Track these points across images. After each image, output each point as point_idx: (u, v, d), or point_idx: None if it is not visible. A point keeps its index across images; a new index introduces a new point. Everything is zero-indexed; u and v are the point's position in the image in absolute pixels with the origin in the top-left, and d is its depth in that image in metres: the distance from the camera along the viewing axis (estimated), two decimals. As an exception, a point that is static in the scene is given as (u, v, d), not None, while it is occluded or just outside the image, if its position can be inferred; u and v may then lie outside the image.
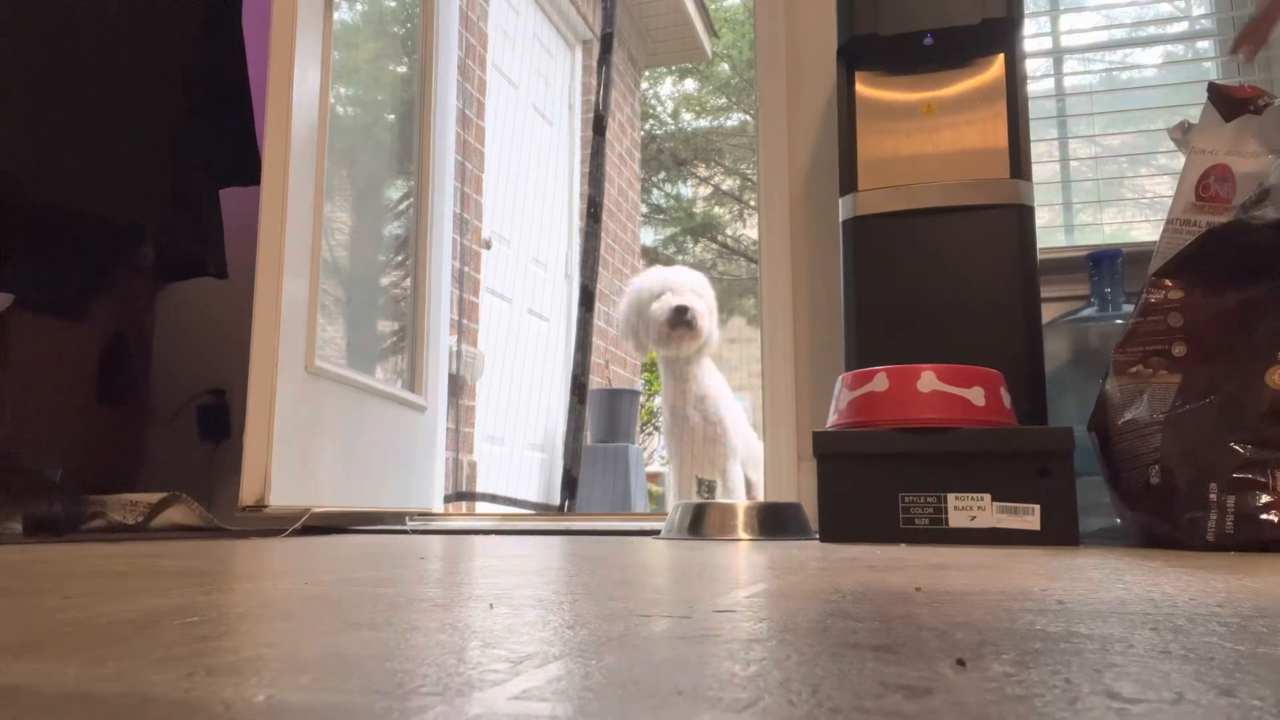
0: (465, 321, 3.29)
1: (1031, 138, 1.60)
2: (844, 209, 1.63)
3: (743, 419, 2.67)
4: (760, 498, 2.43)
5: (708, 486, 2.56)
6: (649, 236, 9.59)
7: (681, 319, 2.53)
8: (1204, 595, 0.54)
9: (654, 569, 0.80)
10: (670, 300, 2.54)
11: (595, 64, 3.78)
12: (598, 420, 3.89)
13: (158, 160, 1.68)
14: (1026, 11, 1.68)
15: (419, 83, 2.37)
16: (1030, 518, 1.26)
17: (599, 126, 3.58)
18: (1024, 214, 1.53)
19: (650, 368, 4.94)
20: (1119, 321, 1.59)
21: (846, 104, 1.64)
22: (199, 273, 1.87)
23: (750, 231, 9.37)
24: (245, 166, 1.84)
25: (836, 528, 1.34)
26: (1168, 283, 1.25)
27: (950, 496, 1.29)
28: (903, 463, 1.32)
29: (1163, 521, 1.19)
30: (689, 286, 2.59)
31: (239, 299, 1.75)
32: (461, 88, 3.13)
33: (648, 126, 9.46)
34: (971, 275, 1.52)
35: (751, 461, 2.63)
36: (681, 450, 2.51)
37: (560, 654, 0.33)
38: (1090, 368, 1.57)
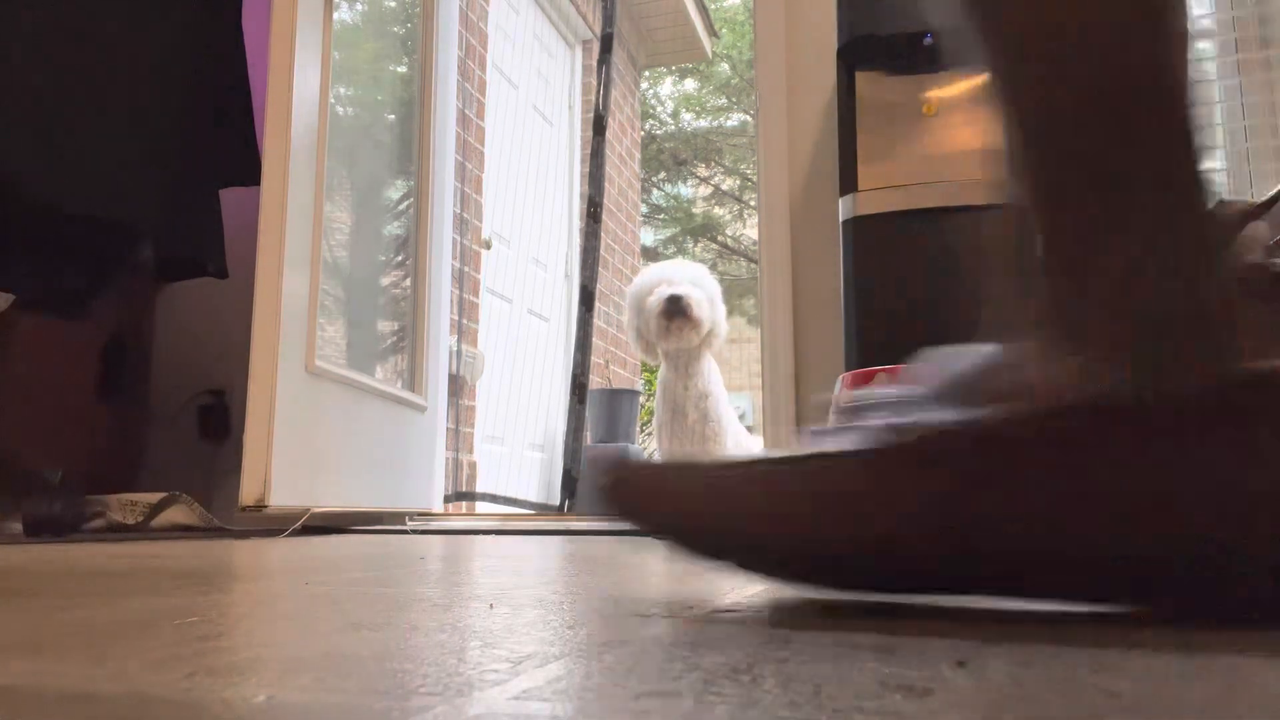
0: (465, 321, 3.29)
1: (1031, 138, 1.60)
2: (844, 209, 1.63)
3: (735, 418, 2.66)
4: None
5: None
6: (649, 236, 9.59)
7: (676, 308, 2.48)
8: (1204, 595, 0.54)
9: (654, 569, 0.80)
10: (664, 291, 2.51)
11: (595, 64, 3.78)
12: (598, 420, 3.89)
13: (158, 160, 1.68)
14: (1026, 11, 1.68)
15: (419, 83, 2.37)
16: (1030, 518, 1.26)
17: (599, 126, 3.57)
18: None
19: (651, 367, 4.94)
20: (1119, 321, 1.59)
21: (846, 104, 1.64)
22: (199, 273, 1.87)
23: (750, 231, 9.37)
24: (245, 166, 1.83)
25: (836, 528, 1.34)
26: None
27: (950, 496, 1.29)
28: (903, 463, 1.32)
29: (1163, 521, 1.19)
30: (686, 278, 2.56)
31: (239, 299, 1.75)
32: (461, 88, 3.13)
33: (648, 126, 9.45)
34: (971, 275, 1.52)
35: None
36: (673, 448, 2.50)
37: (560, 654, 0.33)
38: (1090, 368, 1.57)
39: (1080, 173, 0.47)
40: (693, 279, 2.55)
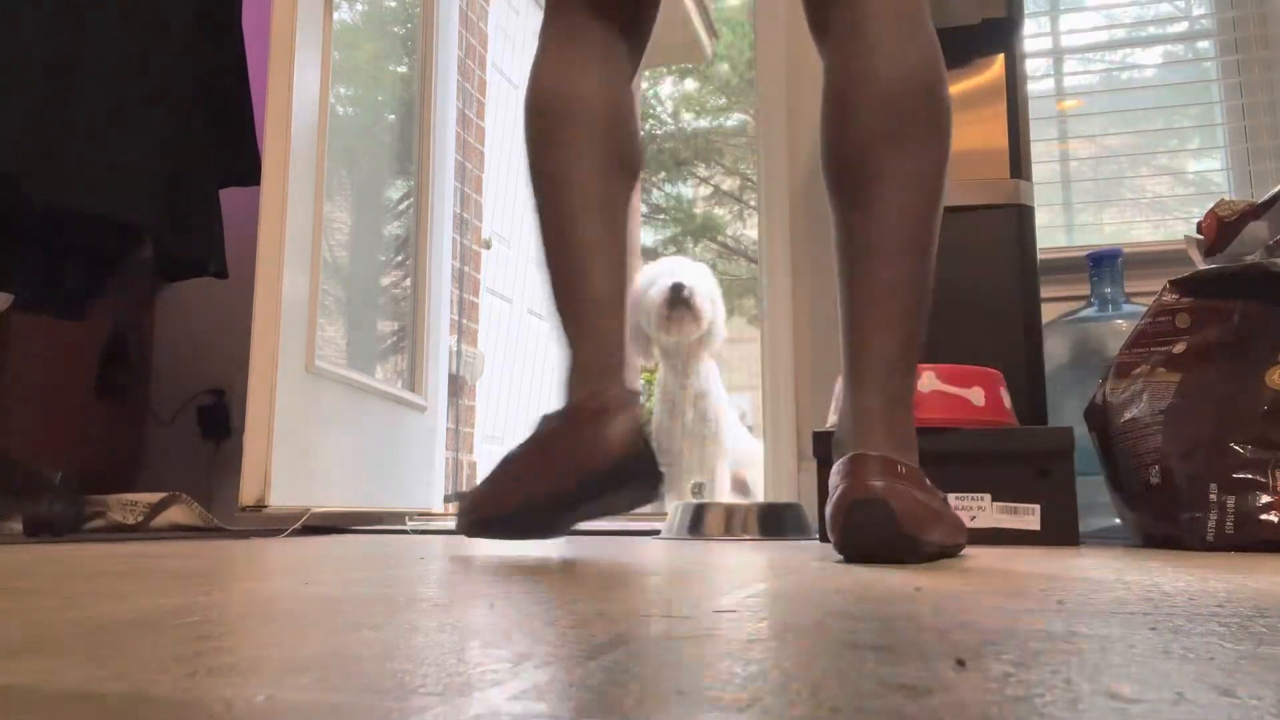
0: (465, 321, 3.29)
1: (1031, 138, 1.60)
2: (844, 209, 1.63)
3: (735, 420, 2.65)
4: (756, 498, 2.43)
5: (698, 487, 2.54)
6: (649, 236, 9.59)
7: (679, 297, 2.43)
8: (1204, 595, 0.54)
9: (654, 569, 0.80)
10: (667, 281, 2.46)
11: (595, 64, 3.77)
12: (598, 420, 3.88)
13: (158, 160, 1.68)
14: (1026, 11, 1.68)
15: (419, 83, 2.37)
16: (1030, 518, 1.26)
17: (599, 126, 3.56)
18: (1024, 214, 1.53)
19: (650, 367, 4.93)
20: (1119, 321, 1.59)
21: (846, 104, 1.64)
22: (199, 273, 1.87)
23: (750, 231, 9.37)
24: (245, 166, 1.83)
25: (836, 528, 1.34)
26: (1181, 290, 1.25)
27: (950, 496, 1.29)
28: (903, 463, 1.32)
29: (1163, 521, 1.19)
30: (688, 271, 2.54)
31: (239, 299, 1.75)
32: (461, 88, 3.13)
33: (648, 126, 9.46)
34: (971, 275, 1.52)
35: (744, 462, 2.62)
36: (673, 447, 2.50)
37: (560, 654, 0.33)
38: (1090, 368, 1.57)
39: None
40: (694, 274, 2.54)
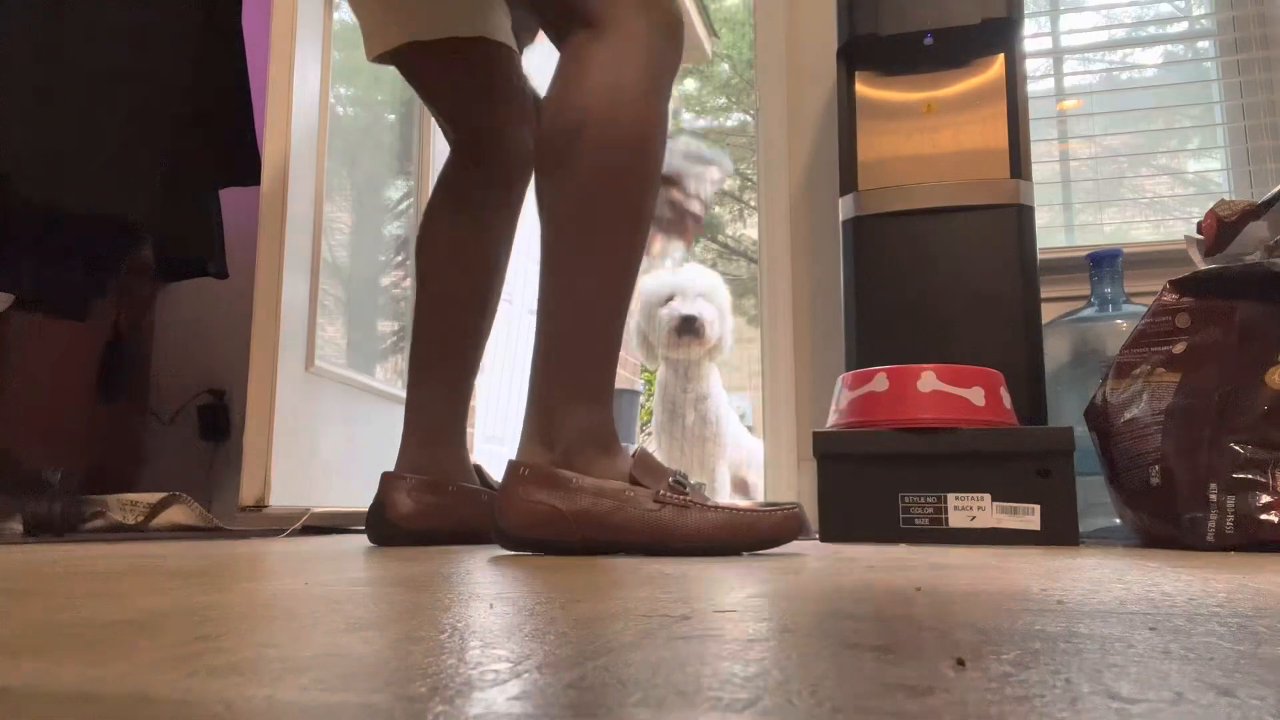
0: (465, 321, 3.28)
1: (1031, 138, 1.60)
2: (844, 209, 1.63)
3: (736, 421, 2.64)
4: (756, 498, 2.43)
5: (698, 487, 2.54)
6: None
7: (689, 328, 2.46)
8: (1204, 595, 0.54)
9: (654, 569, 0.80)
10: (678, 308, 2.47)
11: (595, 64, 3.77)
12: (598, 420, 3.88)
13: (158, 160, 1.68)
14: (1026, 11, 1.68)
15: (419, 83, 2.37)
16: (1030, 518, 1.26)
17: (599, 126, 3.56)
18: (1024, 214, 1.53)
19: (651, 368, 4.94)
20: (1119, 321, 1.59)
21: (846, 104, 1.64)
22: (199, 273, 1.87)
23: (750, 231, 9.37)
24: (245, 166, 1.83)
25: (836, 528, 1.34)
26: (1181, 290, 1.25)
27: (950, 496, 1.29)
28: (903, 463, 1.32)
29: (1163, 521, 1.19)
30: (699, 290, 2.53)
31: (239, 299, 1.75)
32: (461, 88, 3.12)
33: (648, 126, 9.42)
34: (971, 275, 1.52)
35: (745, 463, 2.61)
36: (672, 448, 2.50)
37: (560, 654, 0.33)
38: (1090, 368, 1.57)
39: None
40: (706, 291, 2.53)
